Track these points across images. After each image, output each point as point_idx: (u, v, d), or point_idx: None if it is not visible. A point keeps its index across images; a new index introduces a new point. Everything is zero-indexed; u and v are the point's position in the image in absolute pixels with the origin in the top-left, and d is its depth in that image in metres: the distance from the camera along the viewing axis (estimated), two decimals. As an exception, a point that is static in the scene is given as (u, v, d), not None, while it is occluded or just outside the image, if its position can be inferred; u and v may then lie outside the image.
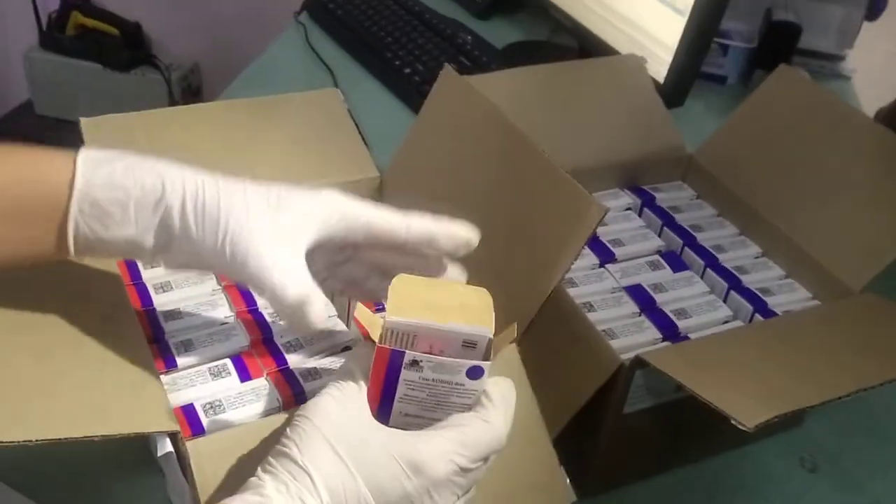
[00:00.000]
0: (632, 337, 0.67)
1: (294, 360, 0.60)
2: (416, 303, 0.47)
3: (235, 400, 0.57)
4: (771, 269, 0.77)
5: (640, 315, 0.70)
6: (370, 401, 0.47)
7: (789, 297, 0.74)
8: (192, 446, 0.49)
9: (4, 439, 0.44)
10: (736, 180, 0.82)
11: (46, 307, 0.50)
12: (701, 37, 0.99)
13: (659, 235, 0.80)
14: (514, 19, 1.39)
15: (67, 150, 0.49)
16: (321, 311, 0.49)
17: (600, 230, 0.78)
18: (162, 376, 0.57)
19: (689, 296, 0.72)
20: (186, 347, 0.60)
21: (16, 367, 0.50)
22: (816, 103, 0.80)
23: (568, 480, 0.56)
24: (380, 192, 0.76)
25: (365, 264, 0.56)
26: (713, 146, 0.86)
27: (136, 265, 0.65)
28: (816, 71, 1.36)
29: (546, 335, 0.61)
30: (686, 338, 0.68)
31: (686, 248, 0.78)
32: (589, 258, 0.75)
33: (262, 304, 0.64)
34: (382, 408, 0.47)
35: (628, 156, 0.84)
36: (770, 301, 0.73)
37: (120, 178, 0.48)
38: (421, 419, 0.48)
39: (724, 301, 0.73)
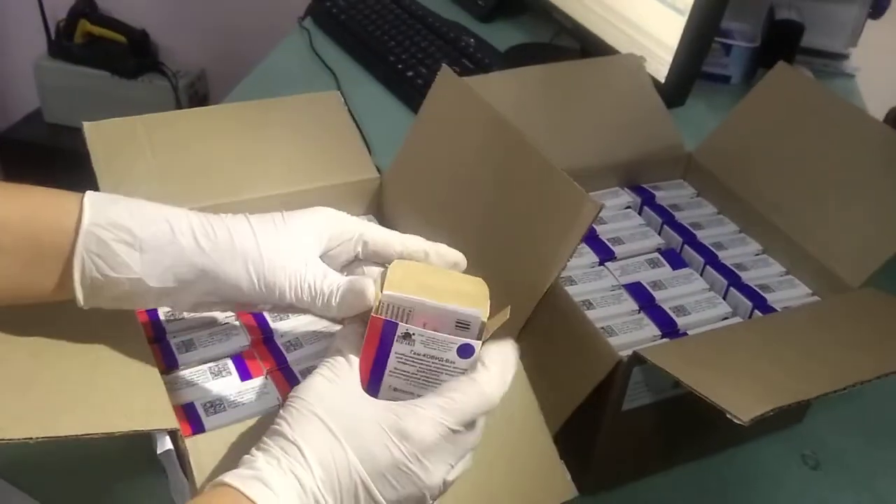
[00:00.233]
0: (631, 334, 0.67)
1: (294, 359, 0.60)
2: (414, 283, 0.48)
3: (236, 398, 0.57)
4: (771, 265, 0.77)
5: (639, 312, 0.70)
6: (361, 374, 0.48)
7: (789, 293, 0.74)
8: (192, 444, 0.50)
9: (5, 437, 0.44)
10: (735, 178, 0.82)
11: (48, 307, 0.51)
12: (701, 36, 0.99)
13: (659, 233, 0.80)
14: (517, 22, 1.40)
15: (76, 193, 0.50)
16: (368, 286, 0.49)
17: (600, 228, 0.78)
18: (163, 376, 0.57)
19: (688, 293, 0.72)
20: (187, 347, 0.60)
21: (17, 366, 0.50)
22: (815, 100, 0.80)
23: (569, 476, 0.56)
24: (379, 194, 0.76)
25: None
26: (712, 144, 0.86)
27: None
28: (820, 69, 1.36)
29: (545, 333, 0.62)
30: (685, 335, 0.68)
31: (686, 246, 0.78)
32: (588, 256, 0.75)
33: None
34: (372, 381, 0.48)
35: (628, 155, 0.85)
36: (770, 297, 0.73)
37: (126, 220, 0.49)
38: (410, 395, 0.48)
39: (724, 298, 0.73)
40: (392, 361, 0.47)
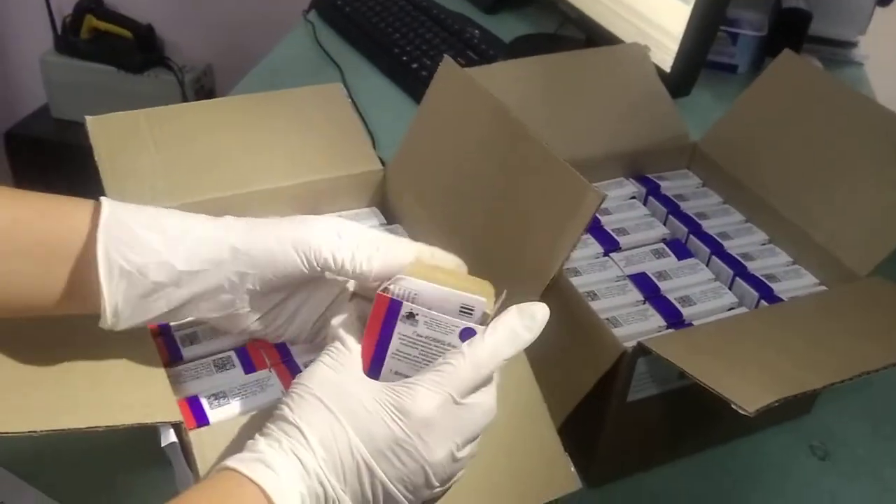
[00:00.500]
0: (636, 325, 0.67)
1: (298, 352, 0.60)
2: (422, 273, 0.49)
3: (240, 391, 0.57)
4: (777, 255, 0.77)
5: (644, 303, 0.70)
6: (364, 355, 0.48)
7: (795, 283, 0.73)
8: (196, 436, 0.50)
9: (8, 430, 0.44)
10: (741, 168, 0.82)
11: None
12: (707, 25, 0.98)
13: (664, 224, 0.80)
14: (522, 13, 1.39)
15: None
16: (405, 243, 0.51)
17: (604, 219, 0.78)
18: (168, 369, 0.57)
19: (693, 283, 0.72)
20: (192, 340, 0.60)
21: (21, 359, 0.50)
22: (820, 88, 0.80)
23: (573, 468, 0.56)
24: (383, 186, 0.76)
25: None
26: (718, 134, 0.85)
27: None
28: (828, 58, 1.35)
29: (549, 324, 0.61)
30: (691, 325, 0.68)
31: (691, 236, 0.78)
32: (593, 247, 0.75)
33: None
34: (374, 365, 0.48)
35: (633, 145, 0.84)
36: (776, 287, 0.72)
37: (148, 212, 0.50)
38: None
39: (730, 288, 0.73)
40: (395, 343, 0.48)
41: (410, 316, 0.47)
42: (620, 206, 0.80)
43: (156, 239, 0.49)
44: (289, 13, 1.44)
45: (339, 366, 0.47)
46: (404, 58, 1.19)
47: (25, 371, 0.50)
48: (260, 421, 0.50)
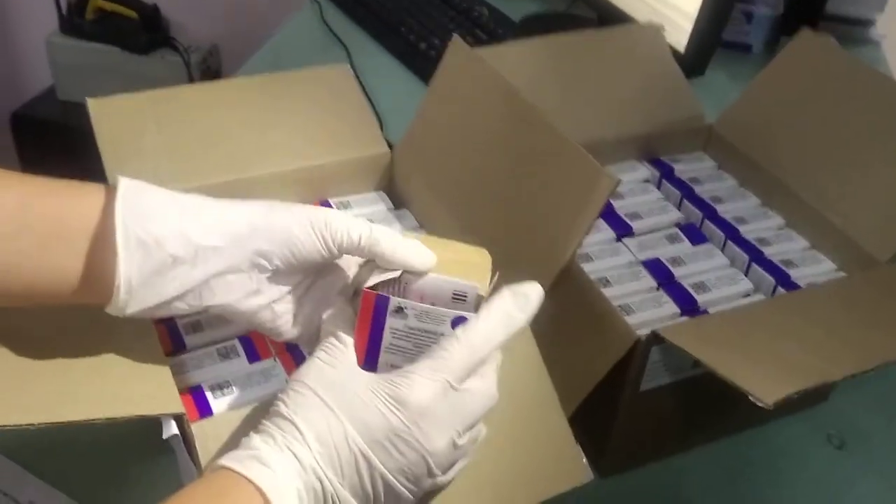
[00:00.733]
0: (649, 312, 0.66)
1: (302, 341, 0.59)
2: None
3: (244, 380, 0.56)
4: (794, 240, 0.75)
5: (658, 289, 0.68)
6: (358, 352, 0.47)
7: (813, 268, 0.72)
8: (198, 428, 0.49)
9: (9, 423, 0.43)
10: (758, 149, 0.80)
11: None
12: (721, 4, 0.96)
13: (678, 208, 0.78)
14: (532, -9, 1.37)
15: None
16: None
17: (617, 203, 0.76)
18: (171, 358, 0.56)
19: (708, 269, 0.70)
20: (195, 328, 0.59)
21: (22, 351, 0.49)
22: (839, 68, 0.78)
23: (585, 459, 0.55)
24: (390, 169, 0.74)
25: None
26: (734, 115, 0.84)
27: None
28: (845, 37, 1.32)
29: (560, 311, 0.59)
30: (706, 312, 0.67)
31: (706, 221, 0.76)
32: (605, 232, 0.73)
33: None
34: (369, 359, 0.47)
35: (646, 127, 0.82)
36: (793, 273, 0.71)
37: (162, 192, 0.48)
38: None
39: (746, 274, 0.71)
40: (387, 337, 0.47)
41: (399, 310, 0.46)
42: (633, 190, 0.79)
43: (174, 211, 0.47)
44: (296, -7, 1.42)
45: (334, 360, 0.46)
46: (412, 37, 1.17)
47: (26, 363, 0.49)
48: (263, 413, 0.49)
